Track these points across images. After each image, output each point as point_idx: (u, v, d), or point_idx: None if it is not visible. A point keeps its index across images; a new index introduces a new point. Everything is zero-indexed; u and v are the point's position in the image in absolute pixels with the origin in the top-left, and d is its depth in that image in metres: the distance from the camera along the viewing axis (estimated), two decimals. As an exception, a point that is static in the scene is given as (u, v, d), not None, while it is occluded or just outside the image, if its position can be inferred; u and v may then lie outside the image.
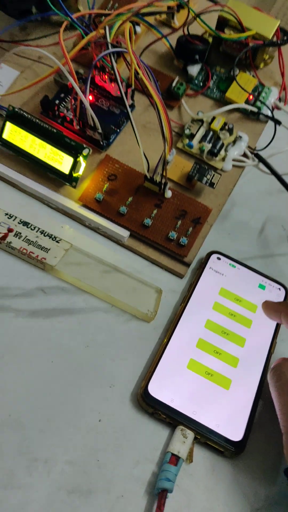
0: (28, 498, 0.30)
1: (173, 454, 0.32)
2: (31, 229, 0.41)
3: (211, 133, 0.47)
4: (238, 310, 0.40)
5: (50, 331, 0.36)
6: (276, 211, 0.47)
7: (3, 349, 0.35)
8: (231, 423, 0.34)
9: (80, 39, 0.48)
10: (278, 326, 0.40)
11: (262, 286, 0.42)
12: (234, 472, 0.33)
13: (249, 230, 0.46)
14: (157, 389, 0.34)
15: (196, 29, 0.49)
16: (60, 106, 0.46)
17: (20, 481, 0.30)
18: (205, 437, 0.33)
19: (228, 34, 0.46)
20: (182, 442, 0.32)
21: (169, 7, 0.47)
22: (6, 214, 0.41)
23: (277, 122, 0.47)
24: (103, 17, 0.47)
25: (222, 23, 0.47)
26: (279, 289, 0.42)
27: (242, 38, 0.45)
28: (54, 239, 0.40)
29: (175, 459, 0.31)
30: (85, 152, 0.41)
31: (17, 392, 0.33)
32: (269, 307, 0.39)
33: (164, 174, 0.41)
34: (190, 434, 0.33)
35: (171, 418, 0.33)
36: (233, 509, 0.32)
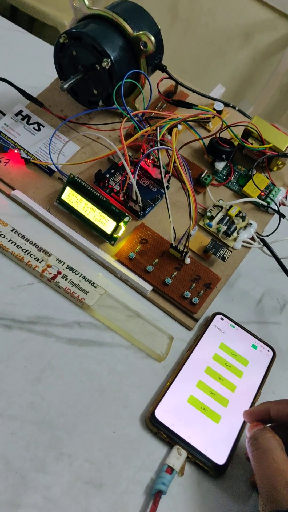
0: (53, 481, 0.37)
1: (169, 466, 0.39)
2: (75, 273, 0.50)
3: (227, 217, 0.55)
4: (232, 362, 0.48)
5: (81, 356, 0.45)
6: (273, 286, 0.57)
7: (44, 365, 0.43)
8: (217, 450, 0.41)
9: (133, 129, 0.60)
10: (263, 380, 0.48)
11: (254, 346, 0.50)
12: (214, 489, 0.40)
13: (249, 299, 0.55)
14: (162, 414, 0.42)
15: (226, 134, 0.59)
16: (110, 180, 0.56)
17: (49, 468, 0.38)
18: (195, 457, 0.41)
19: (251, 143, 0.57)
20: (177, 458, 0.40)
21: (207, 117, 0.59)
22: (57, 259, 0.50)
23: (282, 216, 0.56)
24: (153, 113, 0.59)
25: (247, 133, 0.58)
26: (268, 350, 0.51)
27: (261, 149, 0.57)
28: (92, 284, 0.50)
29: (170, 470, 0.39)
30: (126, 219, 0.51)
31: (52, 400, 0.41)
32: (255, 411, 0.41)
33: (186, 244, 0.50)
34: (184, 453, 0.40)
35: (170, 438, 0.41)
36: (211, 518, 0.39)
